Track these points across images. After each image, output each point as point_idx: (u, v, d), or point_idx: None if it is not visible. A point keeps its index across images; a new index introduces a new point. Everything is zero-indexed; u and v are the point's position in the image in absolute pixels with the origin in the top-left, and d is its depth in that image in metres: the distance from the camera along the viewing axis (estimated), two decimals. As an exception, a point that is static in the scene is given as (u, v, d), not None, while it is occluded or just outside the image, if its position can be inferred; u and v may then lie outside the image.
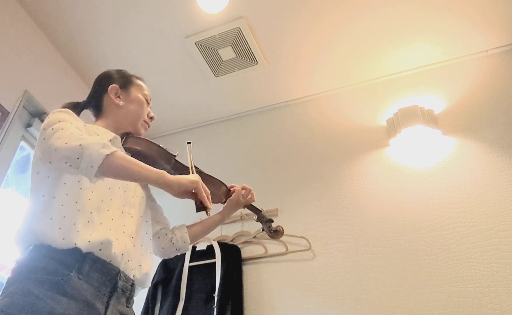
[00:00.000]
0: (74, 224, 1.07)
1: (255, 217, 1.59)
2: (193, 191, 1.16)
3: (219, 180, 1.49)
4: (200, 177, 1.19)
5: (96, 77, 1.45)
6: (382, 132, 2.42)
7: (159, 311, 2.22)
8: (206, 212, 1.20)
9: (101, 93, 1.38)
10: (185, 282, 2.23)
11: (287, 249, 2.24)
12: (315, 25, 2.31)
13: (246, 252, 2.32)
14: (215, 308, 2.06)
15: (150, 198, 1.43)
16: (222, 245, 2.31)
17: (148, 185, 1.43)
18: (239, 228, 2.42)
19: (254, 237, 2.34)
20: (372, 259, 2.08)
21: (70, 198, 1.10)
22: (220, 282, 2.14)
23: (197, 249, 2.34)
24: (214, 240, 2.35)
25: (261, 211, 1.58)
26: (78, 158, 1.01)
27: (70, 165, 1.02)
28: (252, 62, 2.49)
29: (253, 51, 2.41)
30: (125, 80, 1.42)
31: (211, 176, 1.44)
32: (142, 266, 1.22)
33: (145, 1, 2.19)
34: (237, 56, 2.45)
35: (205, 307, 2.11)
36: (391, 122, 2.38)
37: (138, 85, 1.44)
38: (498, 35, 2.33)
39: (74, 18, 2.28)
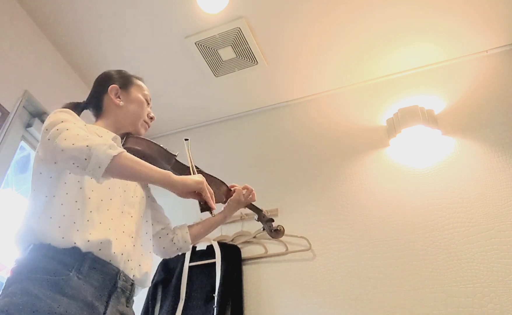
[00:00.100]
0: (74, 223, 1.07)
1: (256, 216, 1.59)
2: (197, 191, 1.17)
3: (220, 180, 1.49)
4: (204, 178, 1.19)
5: (96, 78, 1.45)
6: (382, 132, 2.42)
7: (159, 311, 2.22)
8: (211, 213, 1.21)
9: (101, 94, 1.38)
10: (185, 282, 2.23)
11: (287, 249, 2.24)
12: (315, 25, 2.31)
13: (246, 252, 2.32)
14: (215, 308, 2.06)
15: (150, 198, 1.43)
16: (222, 245, 2.31)
17: (148, 185, 1.44)
18: (239, 228, 2.42)
19: (254, 237, 2.34)
20: (372, 259, 2.08)
21: (70, 198, 1.10)
22: (220, 282, 2.14)
23: (197, 249, 2.34)
24: (214, 240, 2.35)
25: (261, 211, 1.58)
26: (85, 159, 1.01)
27: (77, 166, 1.02)
28: (252, 62, 2.49)
29: (253, 51, 2.41)
30: (125, 80, 1.42)
31: (211, 175, 1.44)
32: (142, 266, 1.22)
33: (145, 1, 2.19)
34: (237, 56, 2.45)
35: (205, 307, 2.11)
36: (391, 122, 2.38)
37: (138, 85, 1.44)
38: (498, 35, 2.33)
39: (74, 18, 2.28)
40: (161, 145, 1.37)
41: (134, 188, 1.28)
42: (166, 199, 1.70)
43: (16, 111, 2.08)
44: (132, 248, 1.18)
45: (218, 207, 1.52)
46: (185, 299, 2.17)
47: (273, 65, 2.53)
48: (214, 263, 2.24)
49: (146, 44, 2.41)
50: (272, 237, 1.62)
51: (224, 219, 1.55)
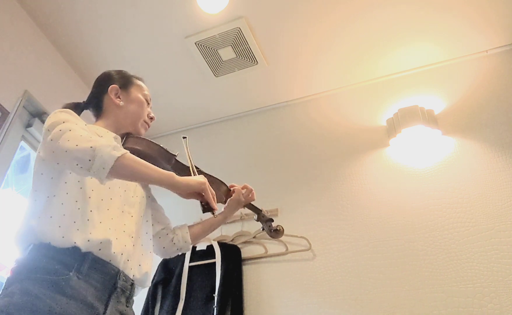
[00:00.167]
0: (74, 222, 1.07)
1: (255, 216, 1.59)
2: (200, 192, 1.18)
3: (220, 180, 1.49)
4: (206, 179, 1.20)
5: (96, 78, 1.45)
6: (382, 132, 2.42)
7: (159, 311, 2.22)
8: (213, 213, 1.22)
9: (101, 94, 1.38)
10: (185, 282, 2.23)
11: (287, 249, 2.24)
12: (315, 25, 2.31)
13: (246, 252, 2.32)
14: (215, 308, 2.06)
15: (150, 198, 1.44)
16: (222, 245, 2.31)
17: (149, 185, 1.44)
18: (239, 228, 2.42)
19: (254, 237, 2.34)
20: (372, 259, 2.08)
21: (70, 197, 1.11)
22: (220, 282, 2.14)
23: (197, 249, 2.34)
24: (214, 240, 2.35)
25: (261, 211, 1.58)
26: (89, 160, 1.02)
27: (81, 167, 1.03)
28: (252, 62, 2.49)
29: (253, 51, 2.41)
30: (125, 81, 1.42)
31: (211, 175, 1.44)
32: (142, 266, 1.22)
33: (145, 1, 2.19)
34: (237, 56, 2.45)
35: (205, 307, 2.11)
36: (391, 122, 2.38)
37: (138, 85, 1.44)
38: (498, 35, 2.33)
39: (74, 18, 2.28)
40: (161, 145, 1.37)
41: (134, 188, 1.28)
42: (166, 199, 1.70)
43: (16, 111, 2.08)
44: (132, 248, 1.18)
45: (218, 207, 1.52)
46: (185, 299, 2.17)
47: (273, 65, 2.53)
48: (214, 263, 2.24)
49: (146, 44, 2.41)
50: (272, 237, 1.62)
51: (224, 219, 1.56)
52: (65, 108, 1.26)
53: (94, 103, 1.39)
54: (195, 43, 2.38)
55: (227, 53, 2.43)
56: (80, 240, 1.05)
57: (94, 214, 1.11)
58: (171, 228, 1.49)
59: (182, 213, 2.35)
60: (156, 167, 1.12)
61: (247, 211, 1.59)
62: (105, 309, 1.06)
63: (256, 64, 2.50)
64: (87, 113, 1.41)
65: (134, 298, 1.21)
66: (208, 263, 2.27)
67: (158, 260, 2.33)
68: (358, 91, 2.62)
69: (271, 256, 2.27)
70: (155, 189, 1.50)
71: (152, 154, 1.33)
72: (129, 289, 1.16)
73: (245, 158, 2.70)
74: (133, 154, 1.11)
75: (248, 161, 2.67)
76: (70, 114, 1.18)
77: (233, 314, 2.08)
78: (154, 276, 2.32)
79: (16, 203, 2.24)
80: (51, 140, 1.06)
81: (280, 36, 2.37)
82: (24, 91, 2.14)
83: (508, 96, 2.24)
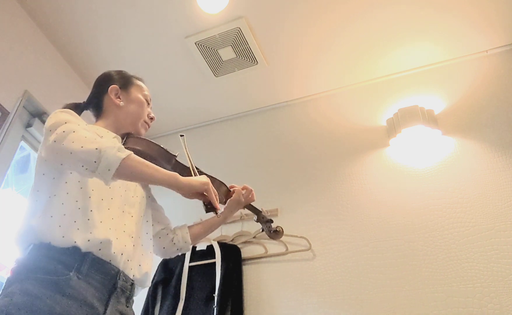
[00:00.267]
0: (75, 221, 1.08)
1: (255, 217, 1.59)
2: (203, 192, 1.19)
3: (219, 180, 1.49)
4: (209, 179, 1.21)
5: (96, 78, 1.45)
6: (382, 132, 2.42)
7: (159, 311, 2.22)
8: (216, 213, 1.22)
9: (102, 94, 1.38)
10: (185, 282, 2.23)
11: (287, 249, 2.24)
12: (315, 25, 2.31)
13: (246, 252, 2.32)
14: (215, 308, 2.06)
15: (150, 198, 1.44)
16: (222, 245, 2.31)
17: (149, 185, 1.44)
18: (239, 228, 2.42)
19: (254, 237, 2.34)
20: (372, 259, 2.08)
21: (70, 197, 1.11)
22: (220, 282, 2.14)
23: (197, 249, 2.34)
24: (214, 240, 2.35)
25: (261, 212, 1.58)
26: (95, 162, 1.02)
27: (86, 168, 1.03)
28: (252, 62, 2.49)
29: (253, 51, 2.41)
30: (125, 81, 1.42)
31: (211, 176, 1.44)
32: (142, 266, 1.22)
33: (145, 1, 2.19)
34: (237, 56, 2.45)
35: (205, 307, 2.11)
36: (391, 122, 2.38)
37: (138, 85, 1.44)
38: (498, 35, 2.33)
39: (74, 18, 2.28)
40: (161, 146, 1.37)
41: (134, 188, 1.28)
42: (166, 199, 1.70)
43: (16, 111, 2.08)
44: (132, 248, 1.18)
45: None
46: (185, 299, 2.17)
47: (273, 65, 2.53)
48: (214, 263, 2.24)
49: (146, 44, 2.41)
50: (271, 238, 1.61)
51: (224, 219, 1.56)
52: (65, 108, 1.26)
53: (94, 103, 1.39)
54: (195, 43, 2.38)
55: (227, 53, 2.43)
56: (80, 240, 1.06)
57: (95, 213, 1.11)
58: (171, 228, 1.49)
59: (182, 213, 2.35)
60: (159, 167, 1.13)
61: (247, 211, 1.59)
62: (105, 309, 1.06)
63: (256, 64, 2.50)
64: (87, 113, 1.41)
65: (134, 298, 1.21)
66: (208, 263, 2.27)
67: (158, 260, 2.33)
68: (358, 91, 2.62)
69: (271, 256, 2.27)
70: (155, 189, 1.50)
71: (152, 155, 1.33)
72: (129, 289, 1.16)
73: (245, 158, 2.70)
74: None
75: (248, 161, 2.67)
76: (71, 115, 1.18)
77: (233, 314, 2.08)
78: (154, 276, 2.32)
79: (16, 203, 2.24)
80: (55, 141, 1.05)
81: (280, 36, 2.37)
82: (24, 91, 2.14)
83: (508, 96, 2.24)
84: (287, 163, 2.55)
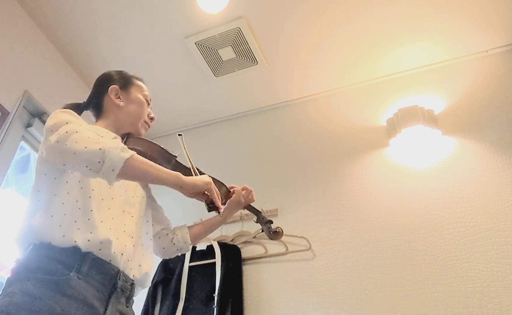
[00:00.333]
0: (75, 221, 1.08)
1: (255, 218, 1.59)
2: (205, 192, 1.20)
3: (219, 181, 1.49)
4: (211, 178, 1.22)
5: (96, 78, 1.45)
6: (382, 132, 2.42)
7: (159, 311, 2.22)
8: (218, 212, 1.24)
9: (102, 94, 1.38)
10: (185, 282, 2.23)
11: (287, 249, 2.24)
12: (315, 25, 2.31)
13: (246, 252, 2.32)
14: (215, 308, 2.06)
15: (150, 198, 1.44)
16: (222, 245, 2.31)
17: (149, 185, 1.44)
18: (239, 228, 2.42)
19: (254, 237, 2.34)
20: (372, 259, 2.08)
21: (71, 197, 1.11)
22: (220, 282, 2.14)
23: (197, 249, 2.34)
24: (214, 240, 2.35)
25: (260, 212, 1.58)
26: (99, 162, 1.02)
27: (90, 169, 1.03)
28: (252, 62, 2.49)
29: (253, 51, 2.41)
30: (125, 81, 1.42)
31: (211, 176, 1.44)
32: (142, 266, 1.22)
33: (145, 1, 2.19)
34: (237, 56, 2.45)
35: (205, 307, 2.11)
36: (391, 122, 2.38)
37: (138, 85, 1.44)
38: (498, 35, 2.33)
39: (74, 18, 2.28)
40: (162, 146, 1.37)
41: (134, 188, 1.28)
42: (166, 199, 1.70)
43: (16, 111, 2.08)
44: (132, 248, 1.18)
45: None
46: (185, 299, 2.17)
47: (273, 65, 2.53)
48: (214, 263, 2.24)
49: (146, 44, 2.41)
50: (271, 239, 1.61)
51: (224, 220, 1.56)
52: (65, 108, 1.26)
53: (94, 103, 1.39)
54: (195, 43, 2.38)
55: (227, 53, 2.43)
56: (80, 240, 1.06)
57: (95, 213, 1.11)
58: (171, 229, 1.49)
59: (181, 213, 2.35)
60: (162, 167, 1.14)
61: (247, 211, 1.59)
62: (105, 309, 1.06)
63: (256, 64, 2.50)
64: (87, 113, 1.42)
65: (134, 298, 1.21)
66: (208, 263, 2.27)
67: (158, 260, 2.33)
68: (358, 91, 2.62)
69: (271, 256, 2.27)
70: (154, 189, 1.50)
71: (153, 155, 1.33)
72: (129, 289, 1.16)
73: (245, 158, 2.70)
74: None
75: (248, 161, 2.67)
76: (72, 115, 1.18)
77: (233, 314, 2.08)
78: (154, 276, 2.32)
79: (16, 203, 2.24)
80: (58, 141, 1.05)
81: (280, 36, 2.37)
82: (24, 91, 2.14)
83: (508, 96, 2.24)
84: (287, 163, 2.55)
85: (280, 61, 2.52)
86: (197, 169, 1.38)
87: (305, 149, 2.55)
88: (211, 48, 2.41)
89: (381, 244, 2.10)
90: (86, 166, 1.03)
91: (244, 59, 2.47)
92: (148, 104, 1.45)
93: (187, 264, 2.29)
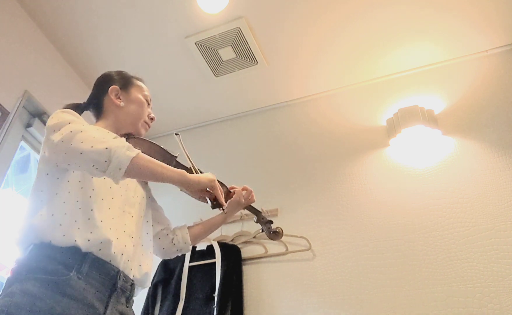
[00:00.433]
0: (75, 221, 1.08)
1: (255, 218, 1.58)
2: (209, 189, 1.21)
3: (220, 181, 1.49)
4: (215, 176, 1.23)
5: (96, 78, 1.45)
6: (382, 132, 2.42)
7: (159, 311, 2.22)
8: (222, 209, 1.25)
9: (102, 94, 1.38)
10: (185, 282, 2.23)
11: (287, 249, 2.24)
12: (315, 25, 2.31)
13: (246, 252, 2.32)
14: (215, 308, 2.06)
15: (150, 198, 1.44)
16: (222, 245, 2.31)
17: (149, 185, 1.44)
18: (239, 228, 2.42)
19: (254, 237, 2.34)
20: (372, 259, 2.08)
21: (71, 196, 1.11)
22: (220, 282, 2.14)
23: (197, 249, 2.34)
24: (214, 240, 2.35)
25: (260, 212, 1.58)
26: (105, 161, 1.02)
27: (97, 168, 1.03)
28: (252, 62, 2.49)
29: (253, 51, 2.41)
30: (125, 81, 1.42)
31: (211, 176, 1.44)
32: (142, 266, 1.22)
33: (144, 1, 2.19)
34: (237, 56, 2.45)
35: (205, 307, 2.11)
36: (391, 122, 2.38)
37: (138, 86, 1.44)
38: (498, 35, 2.33)
39: (74, 18, 2.28)
40: (162, 146, 1.37)
41: (134, 188, 1.28)
42: (166, 199, 1.70)
43: (16, 111, 2.08)
44: (132, 248, 1.18)
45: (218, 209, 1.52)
46: (185, 299, 2.17)
47: (273, 65, 2.53)
48: (214, 263, 2.24)
49: (146, 44, 2.41)
50: (271, 239, 1.61)
51: (224, 220, 1.56)
52: (65, 108, 1.25)
53: (95, 103, 1.39)
54: (195, 43, 2.38)
55: (227, 53, 2.43)
56: (80, 239, 1.06)
57: (95, 213, 1.11)
58: (171, 229, 1.49)
59: (181, 213, 2.36)
60: (167, 165, 1.14)
61: (247, 211, 1.59)
62: (105, 309, 1.06)
63: (256, 64, 2.50)
64: (87, 113, 1.41)
65: (134, 298, 1.21)
66: (208, 263, 2.27)
67: (158, 260, 2.33)
68: (358, 91, 2.62)
69: (271, 256, 2.27)
70: (154, 189, 1.50)
71: (153, 155, 1.33)
72: (129, 289, 1.16)
73: (245, 158, 2.70)
74: None
75: (248, 161, 2.67)
76: (73, 115, 1.18)
77: (233, 314, 2.08)
78: (154, 276, 2.32)
79: (16, 203, 2.24)
80: (62, 141, 1.05)
81: (280, 36, 2.37)
82: (24, 91, 2.14)
83: (508, 96, 2.24)
84: (287, 163, 2.55)
85: (280, 61, 2.52)
86: (198, 169, 1.38)
87: (305, 149, 2.55)
88: (211, 48, 2.41)
89: (381, 244, 2.10)
90: (93, 166, 1.03)
91: (244, 59, 2.47)
92: (148, 104, 1.45)
93: (187, 264, 2.29)
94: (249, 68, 2.53)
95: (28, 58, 2.24)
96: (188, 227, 1.52)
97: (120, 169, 1.02)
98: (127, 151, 1.05)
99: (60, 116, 1.14)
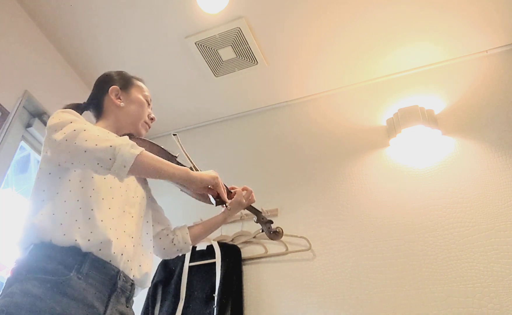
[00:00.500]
0: (76, 220, 1.08)
1: (255, 218, 1.58)
2: (212, 186, 1.23)
3: None
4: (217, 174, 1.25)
5: (96, 79, 1.45)
6: (382, 132, 2.42)
7: (159, 311, 2.22)
8: (226, 206, 1.28)
9: (102, 95, 1.38)
10: (185, 282, 2.23)
11: (287, 249, 2.24)
12: (315, 25, 2.31)
13: (246, 252, 2.32)
14: (215, 308, 2.06)
15: (150, 199, 1.44)
16: (222, 245, 2.31)
17: (149, 185, 1.44)
18: (239, 228, 2.42)
19: (254, 237, 2.34)
20: (372, 259, 2.08)
21: (72, 195, 1.11)
22: (220, 282, 2.14)
23: (197, 249, 2.34)
24: (214, 240, 2.35)
25: (260, 212, 1.58)
26: (110, 159, 1.03)
27: (101, 166, 1.04)
28: (252, 62, 2.49)
29: (253, 51, 2.41)
30: (125, 81, 1.42)
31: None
32: (142, 266, 1.22)
33: (144, 1, 2.19)
34: (237, 56, 2.45)
35: (205, 307, 2.11)
36: (391, 122, 2.38)
37: (139, 86, 1.44)
38: (498, 35, 2.33)
39: (74, 18, 2.28)
40: (162, 146, 1.37)
41: (134, 188, 1.28)
42: (166, 199, 1.70)
43: (16, 111, 2.08)
44: (132, 249, 1.18)
45: (219, 209, 1.53)
46: (185, 299, 2.17)
47: (273, 65, 2.53)
48: (214, 263, 2.24)
49: (146, 44, 2.41)
50: (271, 239, 1.61)
51: (224, 220, 1.56)
52: (66, 108, 1.26)
53: (95, 104, 1.39)
54: (195, 43, 2.38)
55: (227, 53, 2.43)
56: (80, 239, 1.06)
57: (96, 213, 1.11)
58: (171, 229, 1.49)
59: (181, 213, 2.36)
60: (170, 163, 1.16)
61: (247, 211, 1.59)
62: (105, 309, 1.06)
63: (256, 64, 2.50)
64: (87, 113, 1.41)
65: (134, 298, 1.21)
66: (208, 263, 2.27)
67: (158, 260, 2.33)
68: (358, 91, 2.62)
69: (271, 256, 2.27)
70: (154, 189, 1.50)
71: None
72: (129, 289, 1.16)
73: (245, 158, 2.70)
74: None
75: (248, 161, 2.67)
76: (74, 115, 1.18)
77: (233, 314, 2.08)
78: (154, 276, 2.32)
79: (16, 203, 2.24)
80: (66, 140, 1.06)
81: (280, 36, 2.37)
82: (24, 91, 2.14)
83: (508, 96, 2.24)
84: (287, 163, 2.55)
85: (280, 61, 2.52)
86: (198, 168, 1.38)
87: (305, 149, 2.55)
88: (211, 48, 2.41)
89: (381, 244, 2.10)
90: (98, 164, 1.04)
91: (244, 59, 2.47)
92: (149, 104, 1.45)
93: (187, 264, 2.29)
94: (249, 68, 2.53)
95: (28, 58, 2.24)
96: (188, 227, 1.52)
97: (125, 166, 1.03)
98: (131, 148, 1.06)
99: (61, 116, 1.14)
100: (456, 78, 2.40)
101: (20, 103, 2.10)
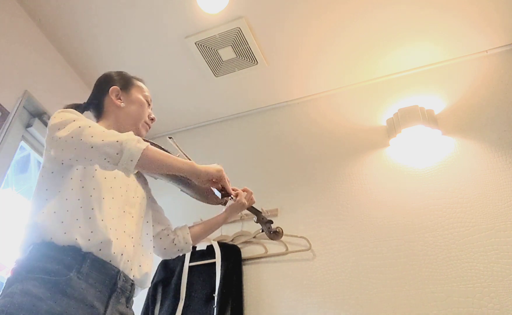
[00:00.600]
0: (77, 219, 1.08)
1: (255, 218, 1.59)
2: (217, 179, 1.26)
3: None
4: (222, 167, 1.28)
5: (97, 79, 1.45)
6: (382, 132, 2.42)
7: (159, 311, 2.22)
8: (232, 198, 1.32)
9: (102, 95, 1.39)
10: (185, 282, 2.23)
11: (287, 249, 2.24)
12: (315, 25, 2.31)
13: (246, 252, 2.32)
14: (215, 308, 2.06)
15: (150, 199, 1.44)
16: (222, 245, 2.31)
17: (149, 185, 1.44)
18: (239, 228, 2.42)
19: (254, 237, 2.34)
20: (372, 259, 2.08)
21: (74, 193, 1.12)
22: (220, 282, 2.14)
23: (197, 249, 2.34)
24: (214, 240, 2.35)
25: (260, 212, 1.58)
26: (117, 154, 1.04)
27: (108, 161, 1.05)
28: (252, 62, 2.49)
29: (253, 51, 2.41)
30: (125, 82, 1.42)
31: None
32: (142, 266, 1.22)
33: (144, 1, 2.19)
34: (237, 56, 2.45)
35: (205, 307, 2.11)
36: (391, 122, 2.38)
37: (139, 86, 1.44)
38: (498, 35, 2.33)
39: (74, 18, 2.28)
40: (162, 147, 1.37)
41: (135, 188, 1.29)
42: (166, 199, 1.70)
43: (16, 111, 2.08)
44: (132, 249, 1.18)
45: (219, 209, 1.53)
46: (185, 299, 2.17)
47: (273, 65, 2.53)
48: (214, 263, 2.24)
49: (146, 44, 2.41)
50: (271, 239, 1.62)
51: (225, 220, 1.56)
52: (66, 108, 1.26)
53: (95, 104, 1.39)
54: (195, 43, 2.38)
55: (227, 53, 2.43)
56: (81, 238, 1.06)
57: (96, 212, 1.11)
58: (171, 229, 1.49)
59: (181, 213, 2.36)
60: (176, 157, 1.17)
61: (247, 211, 1.59)
62: (105, 309, 1.07)
63: (256, 64, 2.50)
64: (88, 114, 1.41)
65: (134, 298, 1.21)
66: (208, 263, 2.27)
67: (158, 260, 2.33)
68: (358, 91, 2.62)
69: (271, 256, 2.27)
70: (155, 189, 1.50)
71: None
72: (129, 289, 1.16)
73: (245, 158, 2.70)
74: None
75: (248, 161, 2.67)
76: (76, 114, 1.18)
77: (233, 314, 2.08)
78: (154, 276, 2.32)
79: (16, 203, 2.24)
80: (72, 137, 1.06)
81: (280, 36, 2.37)
82: (24, 91, 2.14)
83: (508, 96, 2.24)
84: (287, 163, 2.55)
85: (280, 61, 2.52)
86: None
87: (305, 149, 2.55)
88: (211, 48, 2.41)
89: (381, 244, 2.10)
90: (105, 159, 1.04)
91: (244, 59, 2.47)
92: (149, 104, 1.45)
93: (187, 264, 2.29)
94: (249, 68, 2.53)
95: (28, 58, 2.23)
96: (189, 227, 1.52)
97: (132, 160, 1.04)
98: (138, 143, 1.07)
99: (63, 115, 1.14)
100: (456, 78, 2.40)
101: (20, 103, 2.10)
